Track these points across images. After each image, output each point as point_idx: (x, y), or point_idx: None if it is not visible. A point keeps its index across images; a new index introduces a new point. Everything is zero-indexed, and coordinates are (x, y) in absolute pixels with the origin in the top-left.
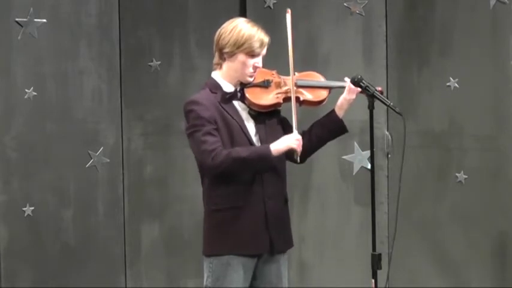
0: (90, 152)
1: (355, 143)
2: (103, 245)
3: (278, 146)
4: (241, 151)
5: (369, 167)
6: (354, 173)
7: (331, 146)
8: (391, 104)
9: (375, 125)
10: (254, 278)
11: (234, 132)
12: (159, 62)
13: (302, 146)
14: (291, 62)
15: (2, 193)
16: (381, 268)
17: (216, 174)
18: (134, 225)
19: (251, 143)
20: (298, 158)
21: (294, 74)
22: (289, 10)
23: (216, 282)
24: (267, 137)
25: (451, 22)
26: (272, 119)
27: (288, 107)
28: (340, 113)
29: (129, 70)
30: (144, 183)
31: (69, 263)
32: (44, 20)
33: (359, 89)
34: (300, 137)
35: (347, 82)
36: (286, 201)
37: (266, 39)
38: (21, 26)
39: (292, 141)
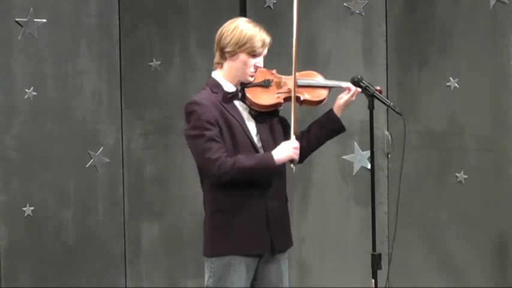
0: (90, 152)
1: (355, 143)
2: (103, 245)
3: (280, 155)
4: (246, 160)
5: (369, 167)
6: (354, 173)
7: (331, 146)
8: (391, 104)
9: (375, 125)
10: (254, 278)
11: (236, 132)
12: (159, 62)
13: (301, 147)
14: (294, 60)
15: (2, 193)
16: (381, 268)
17: (221, 182)
18: (134, 225)
19: (252, 143)
20: (294, 168)
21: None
22: None
23: (217, 282)
24: (268, 137)
25: (451, 22)
26: (272, 119)
27: (288, 107)
28: (338, 112)
29: (129, 70)
30: (144, 183)
31: (69, 263)
32: (44, 20)
33: (360, 90)
34: (297, 144)
35: (348, 83)
36: (286, 200)
37: (268, 39)
38: (21, 26)
39: (291, 151)
